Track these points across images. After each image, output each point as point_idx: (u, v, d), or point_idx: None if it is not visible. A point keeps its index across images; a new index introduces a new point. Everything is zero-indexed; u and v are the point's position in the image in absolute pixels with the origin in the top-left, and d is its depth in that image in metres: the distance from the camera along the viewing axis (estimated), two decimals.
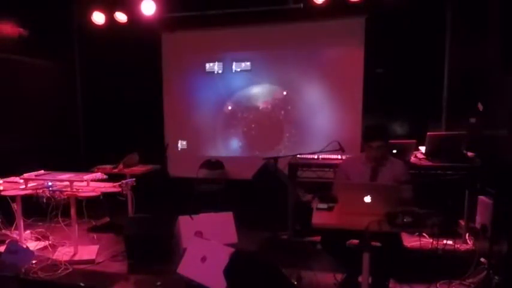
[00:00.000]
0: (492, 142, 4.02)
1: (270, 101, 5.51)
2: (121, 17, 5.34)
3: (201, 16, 5.30)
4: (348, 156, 3.80)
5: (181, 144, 5.91)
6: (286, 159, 4.12)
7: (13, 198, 4.08)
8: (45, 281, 3.38)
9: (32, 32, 5.28)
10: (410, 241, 3.80)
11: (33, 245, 4.05)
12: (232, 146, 5.73)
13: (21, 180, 3.98)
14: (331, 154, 4.04)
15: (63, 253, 3.85)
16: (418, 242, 3.73)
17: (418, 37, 4.71)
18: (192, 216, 3.88)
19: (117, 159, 4.80)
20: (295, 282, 3.23)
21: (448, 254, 3.52)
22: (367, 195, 2.69)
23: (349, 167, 3.29)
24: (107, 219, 5.06)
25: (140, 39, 5.53)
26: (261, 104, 5.55)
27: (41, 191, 3.78)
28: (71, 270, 3.55)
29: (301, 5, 4.93)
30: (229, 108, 5.66)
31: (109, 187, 3.91)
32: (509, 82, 3.57)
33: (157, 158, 5.31)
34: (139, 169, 4.84)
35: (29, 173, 4.02)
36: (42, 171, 4.16)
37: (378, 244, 2.88)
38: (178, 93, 5.88)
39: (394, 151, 3.71)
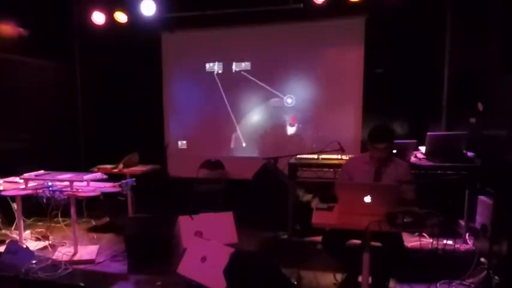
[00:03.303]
0: (492, 142, 4.01)
1: (270, 101, 5.51)
2: (121, 17, 5.34)
3: (201, 16, 5.30)
4: (351, 156, 3.80)
5: (181, 144, 5.92)
6: (286, 159, 4.12)
7: (13, 198, 4.09)
8: (45, 281, 3.37)
9: (32, 32, 5.28)
10: (410, 241, 3.80)
11: (33, 245, 4.05)
12: (232, 146, 5.73)
13: (21, 180, 3.98)
14: (331, 154, 4.04)
15: (63, 253, 3.85)
16: (418, 242, 3.73)
17: (418, 37, 4.71)
18: (192, 216, 3.88)
19: (117, 159, 4.81)
20: (295, 282, 3.23)
21: (448, 254, 3.53)
22: (367, 195, 2.68)
23: (352, 166, 3.29)
24: (107, 219, 5.06)
25: (140, 39, 5.53)
26: (260, 104, 5.54)
27: (41, 191, 3.78)
28: (71, 270, 3.55)
29: (301, 5, 4.93)
30: (229, 108, 5.66)
31: (109, 187, 3.91)
32: (509, 82, 3.57)
33: (157, 158, 5.32)
34: (139, 169, 4.85)
35: (29, 173, 4.02)
36: (42, 171, 4.16)
37: (378, 244, 2.89)
38: (178, 93, 5.89)
39: (394, 151, 3.70)
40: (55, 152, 5.26)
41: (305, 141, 5.38)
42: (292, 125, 5.47)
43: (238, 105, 5.64)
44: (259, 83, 5.50)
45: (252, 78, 5.53)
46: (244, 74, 5.57)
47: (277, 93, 5.46)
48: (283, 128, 5.49)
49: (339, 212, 2.79)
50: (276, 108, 5.49)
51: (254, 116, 5.59)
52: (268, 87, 5.48)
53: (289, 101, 5.44)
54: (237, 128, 5.67)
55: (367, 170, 3.15)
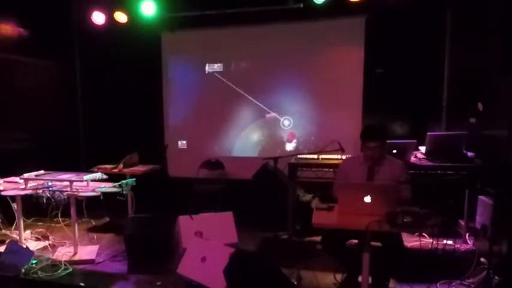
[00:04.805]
0: (492, 142, 4.01)
1: (270, 100, 5.50)
2: (121, 17, 5.34)
3: (201, 16, 5.30)
4: (347, 156, 3.80)
5: (181, 144, 5.92)
6: (286, 159, 4.12)
7: (13, 198, 4.09)
8: (45, 281, 3.38)
9: (32, 32, 5.28)
10: (410, 241, 3.80)
11: (33, 245, 4.05)
12: (232, 146, 5.73)
13: (21, 180, 3.98)
14: (331, 154, 4.03)
15: (63, 253, 3.85)
16: (418, 242, 3.73)
17: (418, 37, 4.71)
18: (192, 216, 3.88)
19: (117, 159, 4.81)
20: (295, 282, 3.23)
21: (448, 254, 3.52)
22: (367, 195, 2.69)
23: (348, 166, 3.29)
24: (107, 219, 5.06)
25: (140, 39, 5.53)
26: (260, 104, 5.54)
27: (41, 191, 3.79)
28: (71, 270, 3.55)
29: (301, 5, 4.93)
30: (229, 108, 5.66)
31: (109, 187, 3.91)
32: (509, 82, 3.57)
33: (157, 158, 5.31)
34: (139, 169, 4.85)
35: (29, 173, 4.02)
36: (42, 171, 4.16)
37: (378, 244, 2.89)
38: (178, 93, 5.88)
39: (394, 151, 3.71)
40: (55, 152, 5.25)
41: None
42: (289, 141, 5.47)
43: (237, 105, 5.62)
44: (259, 82, 5.51)
45: (251, 77, 5.53)
46: (244, 73, 5.56)
47: (276, 92, 5.46)
48: (281, 126, 5.49)
49: (338, 212, 2.79)
50: (275, 108, 5.49)
51: (254, 115, 5.59)
52: (267, 87, 5.47)
53: (286, 123, 5.46)
54: (237, 127, 5.67)
55: (360, 169, 3.16)
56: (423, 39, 4.72)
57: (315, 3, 4.73)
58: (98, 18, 5.38)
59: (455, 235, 3.98)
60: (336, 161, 4.04)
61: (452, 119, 4.73)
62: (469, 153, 3.82)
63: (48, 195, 3.77)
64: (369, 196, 2.68)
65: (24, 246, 3.78)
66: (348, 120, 5.13)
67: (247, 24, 5.41)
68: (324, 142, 3.74)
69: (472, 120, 4.25)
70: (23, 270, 3.44)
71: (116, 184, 3.94)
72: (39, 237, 4.32)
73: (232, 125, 5.68)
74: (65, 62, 5.94)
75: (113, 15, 5.32)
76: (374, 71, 5.03)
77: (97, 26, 5.41)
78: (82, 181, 3.82)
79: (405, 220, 2.51)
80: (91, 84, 6.07)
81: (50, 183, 3.87)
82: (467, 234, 4.02)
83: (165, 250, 3.79)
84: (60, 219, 4.02)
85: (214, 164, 5.60)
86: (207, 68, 5.71)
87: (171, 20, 5.49)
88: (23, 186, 3.93)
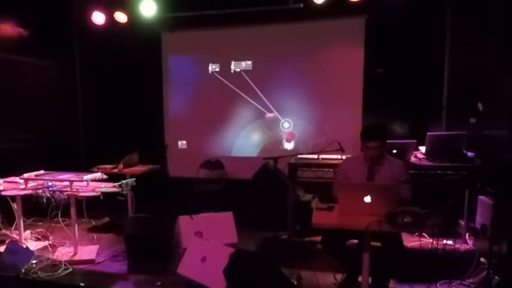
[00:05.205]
0: (492, 142, 4.01)
1: (270, 101, 5.50)
2: (121, 17, 5.35)
3: (201, 16, 5.30)
4: (347, 156, 3.80)
5: (181, 144, 5.92)
6: (286, 159, 4.12)
7: (13, 198, 4.09)
8: (45, 281, 3.38)
9: (32, 32, 5.28)
10: (410, 241, 3.80)
11: (33, 245, 4.05)
12: (232, 146, 5.73)
13: (21, 180, 3.98)
14: (331, 154, 4.03)
15: (63, 253, 3.85)
16: (418, 242, 3.73)
17: (418, 37, 4.71)
18: (192, 216, 3.88)
19: (117, 159, 4.81)
20: (295, 282, 3.23)
21: (448, 254, 3.53)
22: (366, 195, 2.69)
23: (348, 166, 3.30)
24: (107, 219, 5.06)
25: (140, 39, 5.53)
26: (260, 104, 5.54)
27: (41, 191, 3.79)
28: (71, 270, 3.55)
29: (301, 5, 4.93)
30: (229, 108, 5.66)
31: (109, 187, 3.91)
32: (509, 82, 3.57)
33: (157, 158, 5.32)
34: (139, 169, 4.85)
35: (29, 173, 4.02)
36: (42, 171, 4.16)
37: (378, 244, 2.89)
38: (178, 93, 5.88)
39: (394, 151, 3.71)
40: (55, 152, 5.25)
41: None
42: (289, 141, 5.47)
43: (237, 105, 5.62)
44: (259, 82, 5.51)
45: (251, 77, 5.53)
46: (244, 73, 5.57)
47: (276, 92, 5.46)
48: (281, 126, 5.50)
49: (338, 212, 2.79)
50: (275, 108, 5.49)
51: (254, 114, 5.58)
52: (267, 87, 5.48)
53: (286, 125, 5.46)
54: (237, 127, 5.67)
55: (361, 169, 3.16)
56: (423, 39, 4.71)
57: (315, 3, 4.73)
58: (98, 18, 5.38)
59: (455, 235, 3.98)
60: (336, 161, 4.04)
61: (452, 119, 4.73)
62: (469, 153, 3.82)
63: (48, 195, 3.78)
64: (368, 196, 2.68)
65: (24, 246, 3.78)
66: (348, 120, 5.13)
67: (247, 24, 5.41)
68: (324, 142, 3.74)
69: (472, 120, 4.25)
70: (23, 270, 3.44)
71: (116, 184, 3.94)
72: (39, 237, 4.32)
73: (232, 124, 5.68)
74: (65, 62, 5.93)
75: (113, 15, 5.32)
76: (374, 71, 5.03)
77: (97, 26, 5.41)
78: (82, 181, 3.82)
79: (405, 220, 2.51)
80: (91, 84, 6.07)
81: (50, 183, 3.87)
82: (467, 234, 4.02)
83: (165, 250, 3.79)
84: (60, 219, 4.02)
85: (214, 164, 5.60)
86: (206, 67, 5.69)
87: (171, 20, 5.49)
88: (23, 186, 3.93)
